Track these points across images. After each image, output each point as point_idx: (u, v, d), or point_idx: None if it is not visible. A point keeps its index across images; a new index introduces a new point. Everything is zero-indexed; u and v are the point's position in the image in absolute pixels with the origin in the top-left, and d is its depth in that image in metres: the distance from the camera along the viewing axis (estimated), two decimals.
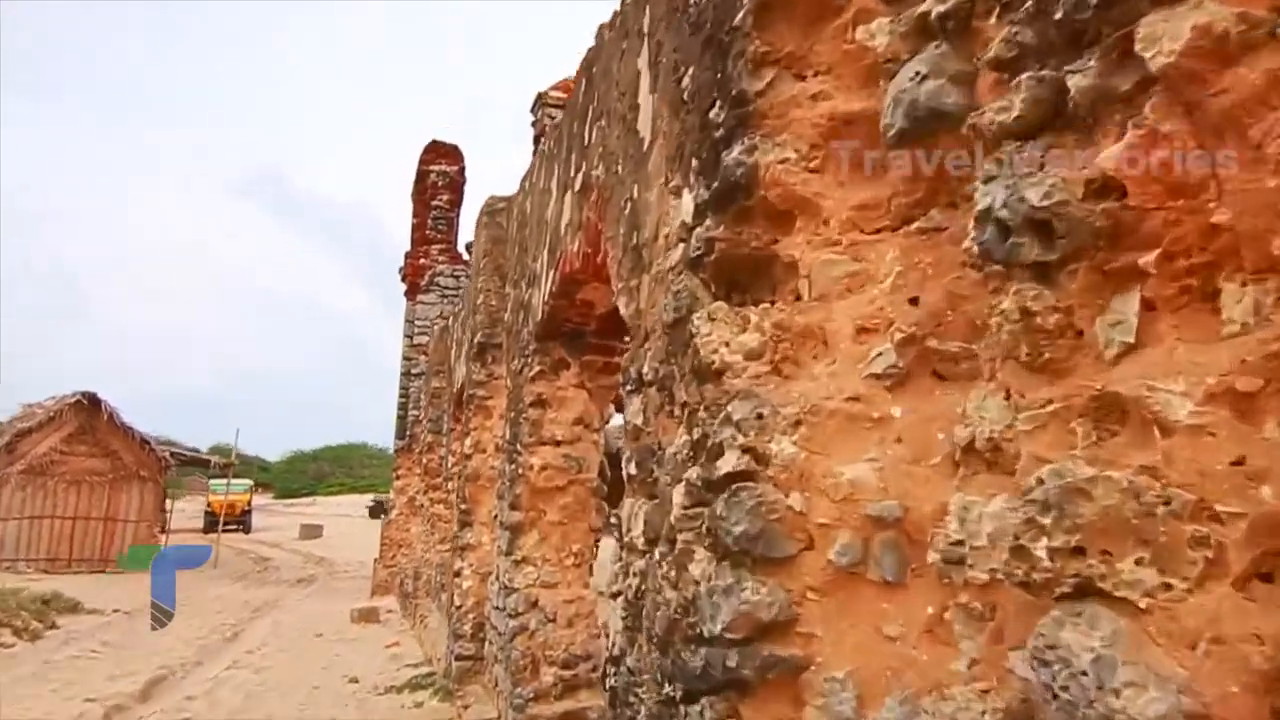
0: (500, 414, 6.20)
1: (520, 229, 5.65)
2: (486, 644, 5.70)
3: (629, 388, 2.39)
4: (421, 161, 16.90)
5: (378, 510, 29.40)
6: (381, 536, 15.69)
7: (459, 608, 6.16)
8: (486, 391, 6.39)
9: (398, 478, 15.45)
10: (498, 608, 5.37)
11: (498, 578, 5.42)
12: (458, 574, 6.26)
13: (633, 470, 2.24)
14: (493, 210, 6.34)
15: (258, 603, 13.92)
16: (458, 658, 6.08)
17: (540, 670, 4.82)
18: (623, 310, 2.65)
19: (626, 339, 2.67)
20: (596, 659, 4.90)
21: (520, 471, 5.08)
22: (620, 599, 2.25)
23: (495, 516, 5.74)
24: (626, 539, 2.24)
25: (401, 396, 16.01)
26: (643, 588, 2.04)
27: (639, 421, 2.25)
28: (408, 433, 15.07)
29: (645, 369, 2.20)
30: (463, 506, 6.34)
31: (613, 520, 2.44)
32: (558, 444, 5.01)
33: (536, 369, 4.99)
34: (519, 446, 5.15)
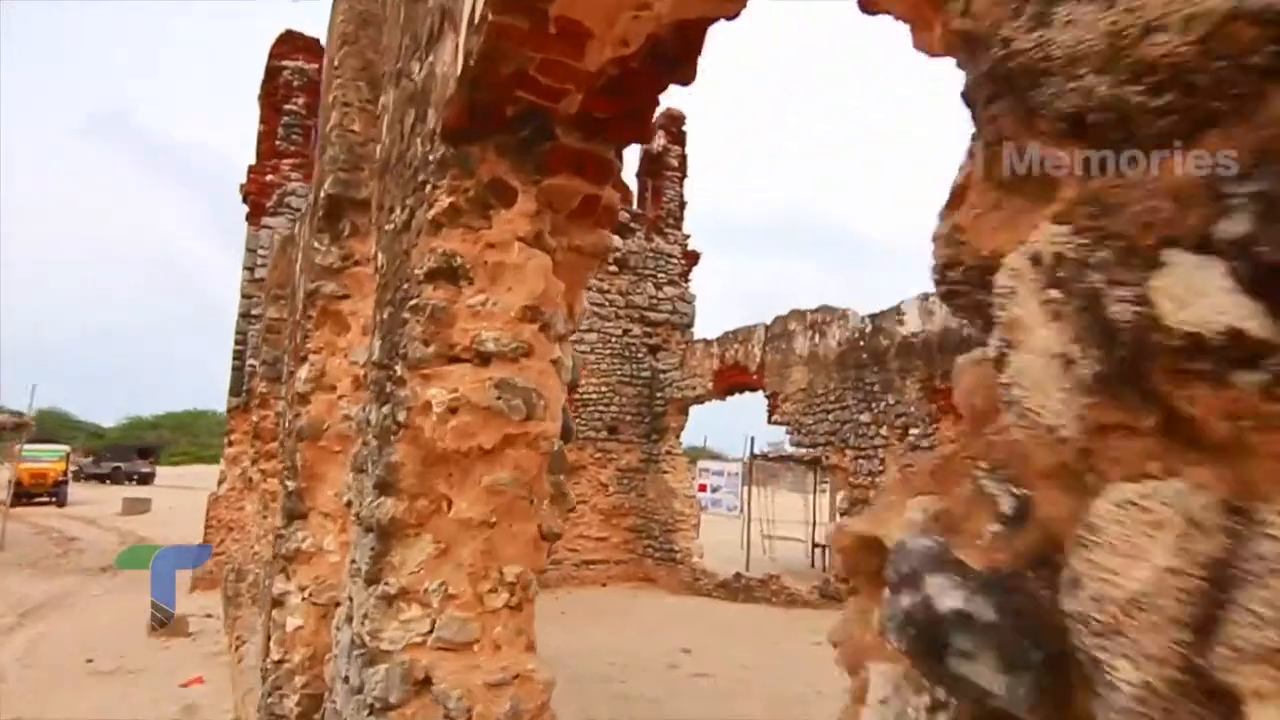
0: (365, 325, 3.53)
1: None
2: None
3: None
4: (272, 56, 13.59)
5: None
6: (207, 516, 12.50)
7: (278, 663, 3.46)
8: (339, 286, 3.67)
9: (230, 444, 12.29)
10: (347, 681, 2.74)
11: (350, 621, 2.79)
12: (279, 603, 3.56)
13: None
14: None
15: (34, 601, 10.57)
16: None
17: None
18: None
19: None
20: None
21: (401, 420, 2.48)
22: None
23: (350, 505, 3.08)
24: None
25: (238, 344, 12.78)
26: None
27: None
28: (244, 387, 11.92)
29: None
30: (291, 485, 3.61)
31: None
32: (483, 361, 2.41)
33: (444, 203, 2.38)
34: (399, 369, 2.53)
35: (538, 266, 2.41)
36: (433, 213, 2.42)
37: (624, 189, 2.60)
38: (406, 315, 2.54)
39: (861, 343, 10.35)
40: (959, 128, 0.85)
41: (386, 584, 2.59)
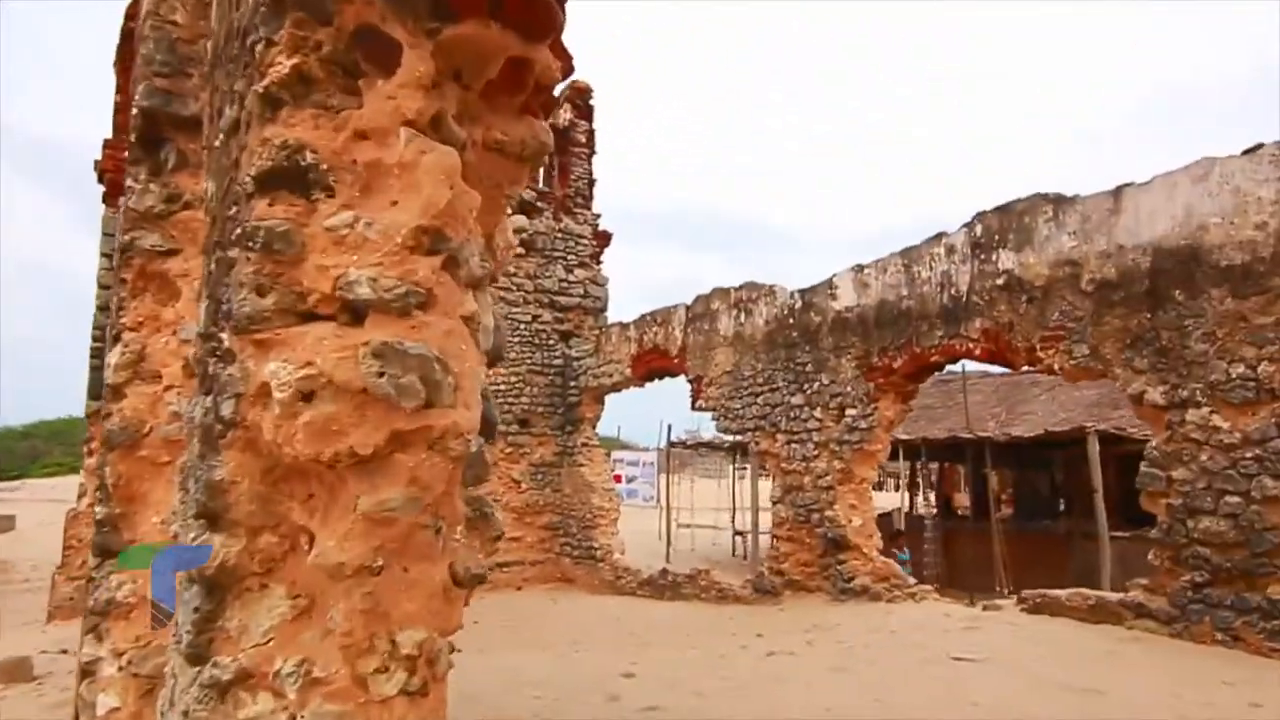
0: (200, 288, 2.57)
1: None
2: None
3: None
4: (128, 17, 12.03)
5: None
6: (65, 535, 11.06)
7: None
8: (163, 238, 2.68)
9: (89, 453, 10.86)
10: None
11: (173, 709, 1.86)
12: (87, 673, 2.57)
13: None
14: None
15: None
16: None
17: None
18: None
19: None
20: None
21: (227, 415, 1.59)
22: None
23: (177, 538, 2.15)
24: None
25: (96, 341, 11.31)
26: None
27: None
28: (104, 388, 10.50)
29: None
30: (101, 511, 2.61)
31: None
32: (354, 317, 1.53)
33: (283, 68, 1.49)
34: (225, 338, 1.63)
35: (437, 166, 1.54)
36: (266, 83, 1.52)
37: (564, 56, 1.73)
38: (234, 254, 1.63)
39: (791, 320, 9.71)
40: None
41: (218, 664, 1.69)
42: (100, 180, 11.72)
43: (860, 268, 8.97)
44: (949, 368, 9.41)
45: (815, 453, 9.26)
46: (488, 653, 7.37)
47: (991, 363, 7.92)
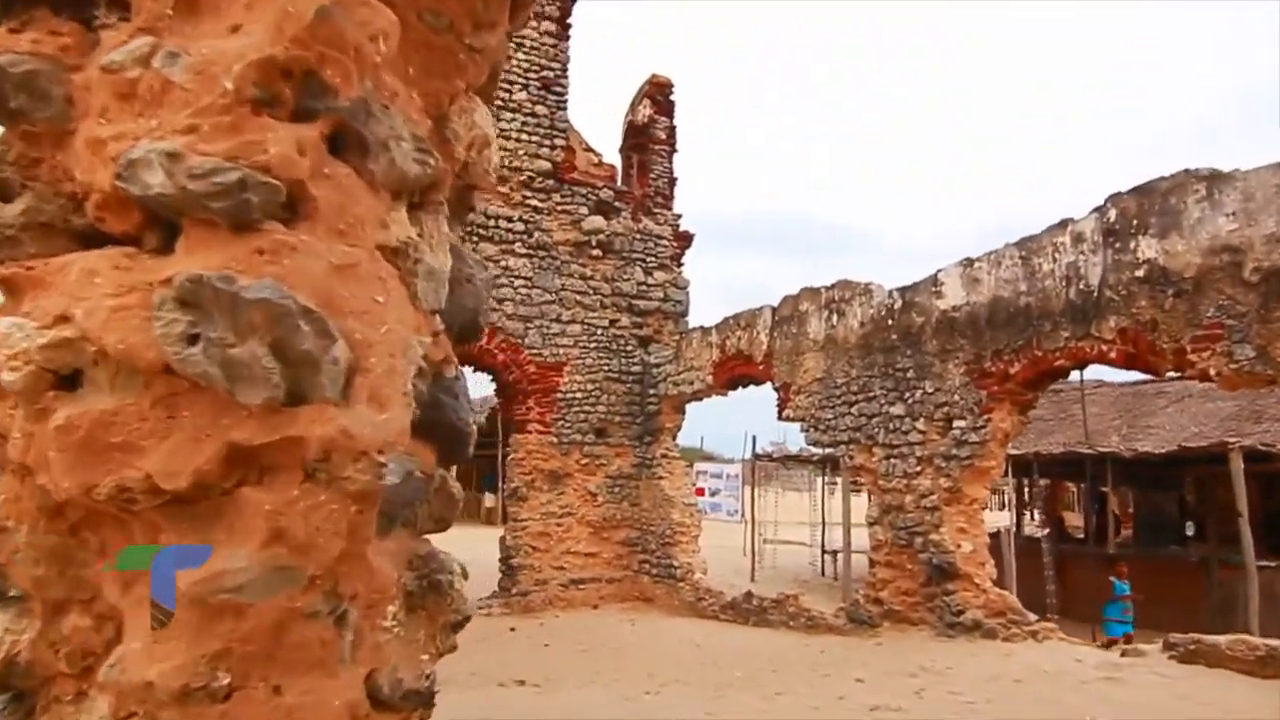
0: None
1: None
2: None
3: None
4: None
5: None
6: None
7: None
8: None
9: None
10: None
11: None
12: None
13: None
14: None
15: None
16: None
17: None
18: None
19: None
20: None
21: None
22: None
23: None
24: None
25: None
26: None
27: None
28: None
29: None
30: None
31: None
32: (160, 234, 0.82)
33: None
34: None
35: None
36: None
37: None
38: None
39: (890, 321, 8.77)
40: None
41: None
42: None
43: (970, 261, 7.99)
44: (1062, 378, 8.36)
45: (918, 469, 8.30)
46: (552, 688, 6.68)
47: (1129, 367, 6.86)
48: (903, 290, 8.72)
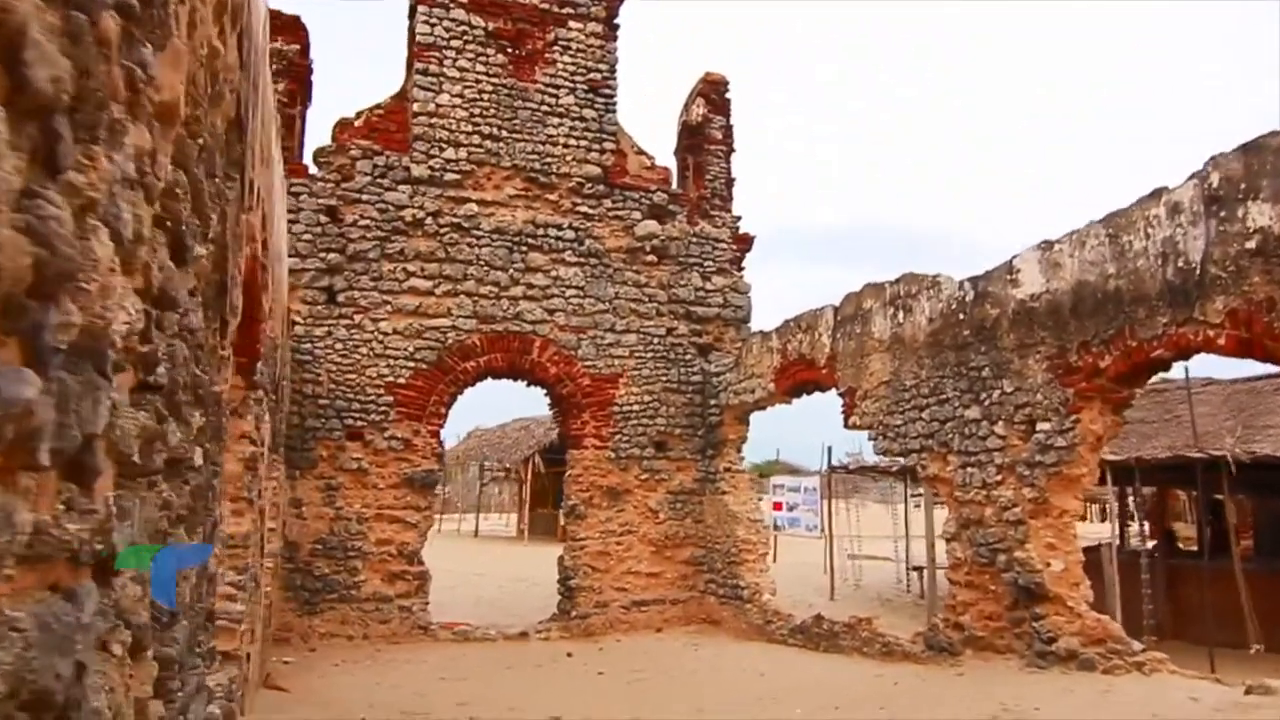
0: None
1: None
2: None
3: None
4: None
5: None
6: None
7: None
8: None
9: None
10: None
11: None
12: None
13: None
14: None
15: None
16: None
17: None
18: None
19: None
20: None
21: None
22: None
23: None
24: None
25: None
26: None
27: None
28: None
29: None
30: None
31: None
32: None
33: None
34: None
35: None
36: None
37: None
38: None
39: (961, 316, 7.93)
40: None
41: None
42: None
43: (1049, 244, 7.11)
44: (1162, 372, 7.39)
45: (998, 478, 7.43)
46: None
47: (1242, 356, 5.89)
48: (974, 280, 7.88)
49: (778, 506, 19.84)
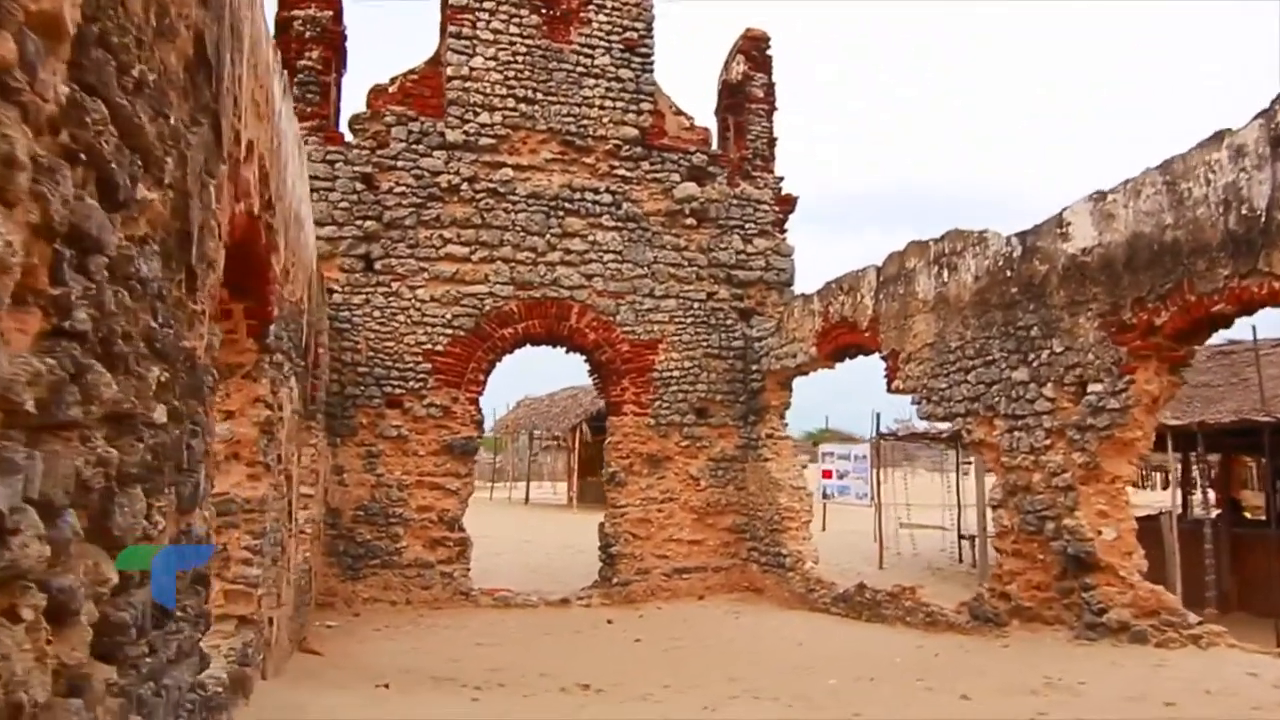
0: None
1: None
2: None
3: None
4: (282, 6, 11.80)
5: None
6: None
7: None
8: None
9: None
10: None
11: None
12: None
13: None
14: None
15: None
16: None
17: None
18: None
19: None
20: None
21: None
22: None
23: None
24: None
25: None
26: None
27: None
28: None
29: None
30: None
31: None
32: None
33: None
34: None
35: None
36: None
37: None
38: None
39: (1008, 273, 7.56)
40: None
41: None
42: None
43: (1101, 194, 6.70)
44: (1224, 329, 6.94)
45: (1047, 442, 7.09)
46: (615, 696, 5.97)
47: None
48: (1022, 235, 7.49)
49: (827, 474, 19.56)
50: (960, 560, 16.28)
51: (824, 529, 20.48)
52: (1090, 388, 6.73)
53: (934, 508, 19.02)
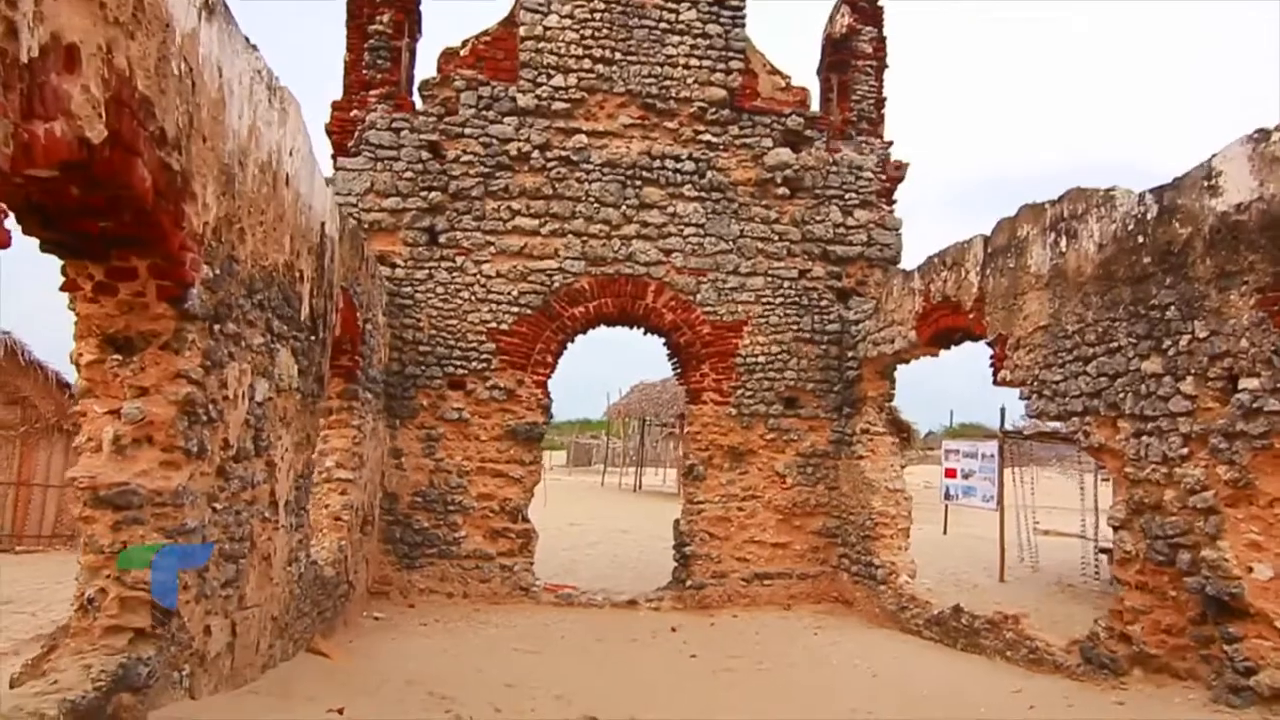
0: None
1: None
2: None
3: None
4: None
5: None
6: None
7: None
8: None
9: None
10: None
11: None
12: None
13: None
14: None
15: None
16: None
17: None
18: None
19: None
20: None
21: None
22: None
23: None
24: None
25: None
26: None
27: None
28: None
29: None
30: None
31: None
32: None
33: None
34: None
35: None
36: None
37: None
38: None
39: (1140, 239, 6.09)
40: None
41: None
42: (329, 137, 11.03)
43: (1265, 133, 5.17)
44: None
45: (1184, 451, 5.64)
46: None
47: None
48: (1158, 192, 5.99)
49: (950, 474, 17.94)
50: (1097, 575, 14.39)
51: (945, 532, 18.82)
52: (1242, 383, 5.24)
53: (1066, 511, 17.02)
